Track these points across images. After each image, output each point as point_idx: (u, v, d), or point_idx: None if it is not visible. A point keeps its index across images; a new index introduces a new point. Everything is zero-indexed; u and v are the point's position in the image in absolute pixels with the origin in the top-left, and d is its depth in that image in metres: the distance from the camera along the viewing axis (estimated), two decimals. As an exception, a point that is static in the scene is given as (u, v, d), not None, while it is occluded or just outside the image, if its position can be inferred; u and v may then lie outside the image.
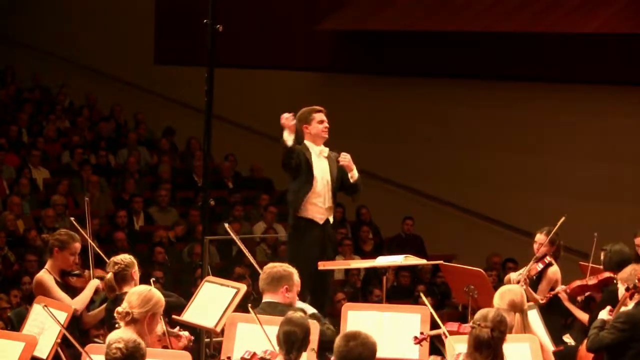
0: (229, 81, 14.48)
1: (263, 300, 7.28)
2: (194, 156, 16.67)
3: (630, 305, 7.70)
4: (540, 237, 9.06)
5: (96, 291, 8.43)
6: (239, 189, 16.17)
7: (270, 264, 7.42)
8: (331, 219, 9.11)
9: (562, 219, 8.98)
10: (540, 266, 8.95)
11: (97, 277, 8.39)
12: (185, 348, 7.18)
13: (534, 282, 9.01)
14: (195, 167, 16.14)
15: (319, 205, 8.95)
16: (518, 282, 8.74)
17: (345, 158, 9.00)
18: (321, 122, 8.98)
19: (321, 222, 8.96)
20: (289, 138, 8.74)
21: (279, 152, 8.84)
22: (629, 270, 7.84)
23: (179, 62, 18.08)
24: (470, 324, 6.01)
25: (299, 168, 8.86)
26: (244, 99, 17.48)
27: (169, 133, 17.68)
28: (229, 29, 9.69)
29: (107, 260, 8.03)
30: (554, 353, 7.94)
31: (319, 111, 9.02)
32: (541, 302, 8.72)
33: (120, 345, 5.61)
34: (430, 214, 15.84)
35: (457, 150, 15.74)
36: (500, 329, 5.94)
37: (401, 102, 16.30)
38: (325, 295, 9.12)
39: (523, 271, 8.99)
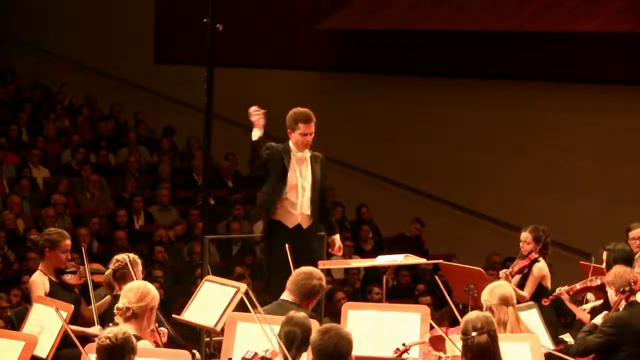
0: (229, 81, 14.48)
1: (283, 297, 7.25)
2: (194, 155, 16.67)
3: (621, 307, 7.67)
4: (524, 235, 9.12)
5: (94, 287, 8.42)
6: (239, 188, 16.17)
7: (309, 271, 7.31)
8: (308, 224, 9.01)
9: None
10: (524, 263, 9.01)
11: (93, 272, 8.38)
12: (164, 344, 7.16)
13: (522, 279, 9.05)
14: (195, 166, 16.14)
15: (291, 211, 8.92)
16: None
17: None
18: (304, 134, 8.84)
19: (291, 226, 8.93)
20: (254, 133, 8.85)
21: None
22: (613, 272, 7.81)
23: (179, 61, 18.07)
24: (461, 336, 5.97)
25: (266, 167, 8.84)
26: (244, 98, 17.41)
27: (169, 132, 17.68)
28: (229, 28, 9.69)
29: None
30: (554, 353, 7.96)
31: (307, 121, 8.83)
32: (544, 303, 8.72)
33: (110, 335, 5.79)
34: (430, 213, 15.83)
35: (457, 150, 15.74)
36: (492, 329, 5.94)
37: (401, 102, 16.30)
38: None
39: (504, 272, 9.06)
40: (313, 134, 8.91)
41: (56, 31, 19.72)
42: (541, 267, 9.05)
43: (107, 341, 5.77)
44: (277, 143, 9.02)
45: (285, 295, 7.27)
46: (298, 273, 7.28)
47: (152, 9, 18.93)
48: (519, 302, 8.47)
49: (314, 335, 5.67)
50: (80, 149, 16.08)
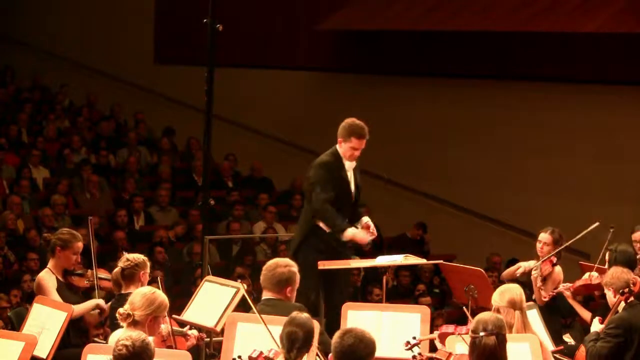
0: (229, 81, 14.48)
1: (264, 297, 7.28)
2: (194, 156, 16.67)
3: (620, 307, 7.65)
4: (544, 237, 9.05)
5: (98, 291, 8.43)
6: (239, 188, 16.17)
7: (274, 262, 7.37)
8: None
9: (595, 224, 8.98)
10: (548, 266, 8.97)
11: (100, 278, 8.39)
12: (194, 347, 7.17)
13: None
14: (195, 166, 16.14)
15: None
16: (522, 275, 8.80)
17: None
18: (354, 149, 8.95)
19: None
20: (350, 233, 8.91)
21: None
22: (610, 274, 7.80)
23: (179, 62, 18.06)
24: (471, 333, 5.99)
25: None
26: (244, 99, 17.46)
27: (169, 133, 17.68)
28: (229, 28, 9.69)
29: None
30: (555, 353, 7.95)
31: (361, 137, 8.95)
32: (544, 299, 8.71)
33: (128, 343, 5.45)
34: (430, 214, 15.83)
35: (457, 150, 15.73)
36: (502, 333, 5.95)
37: (401, 102, 16.29)
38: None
39: (536, 269, 8.92)
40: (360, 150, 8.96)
41: (56, 31, 19.71)
42: (560, 272, 9.03)
43: (124, 350, 5.39)
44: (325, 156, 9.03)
45: (265, 294, 7.31)
46: (264, 269, 7.33)
47: (152, 9, 18.92)
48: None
49: (335, 336, 5.70)
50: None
